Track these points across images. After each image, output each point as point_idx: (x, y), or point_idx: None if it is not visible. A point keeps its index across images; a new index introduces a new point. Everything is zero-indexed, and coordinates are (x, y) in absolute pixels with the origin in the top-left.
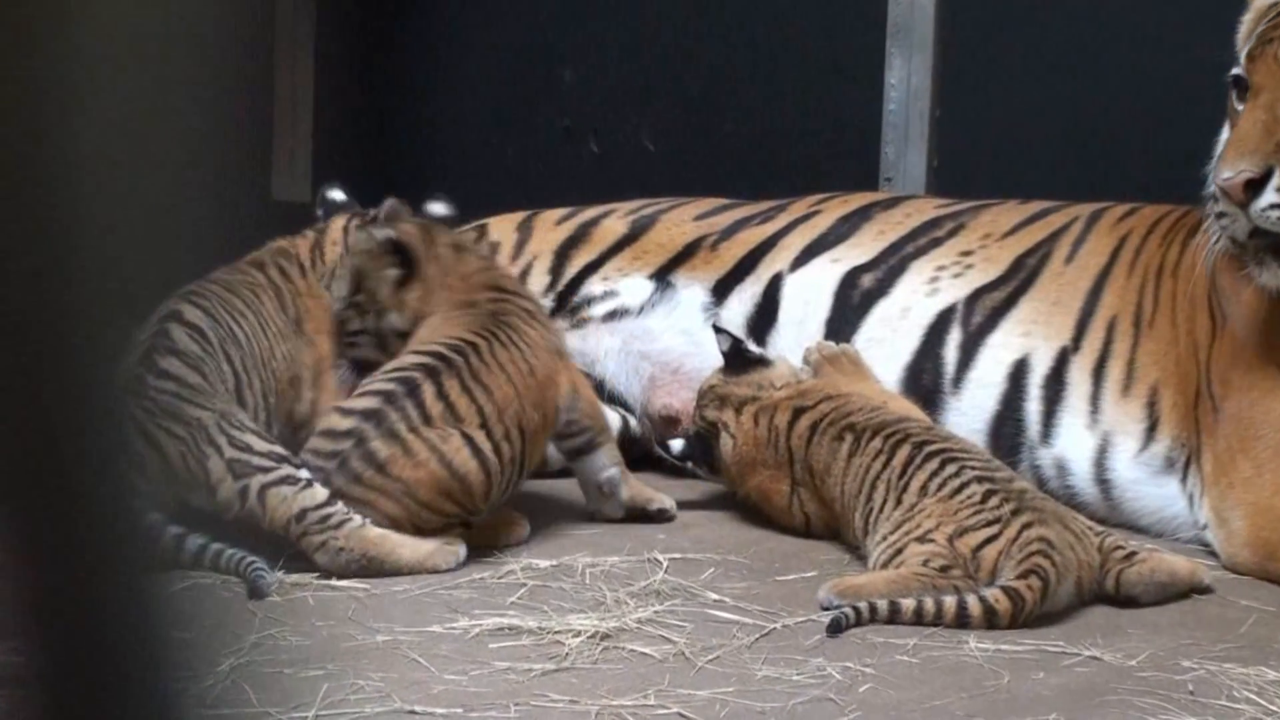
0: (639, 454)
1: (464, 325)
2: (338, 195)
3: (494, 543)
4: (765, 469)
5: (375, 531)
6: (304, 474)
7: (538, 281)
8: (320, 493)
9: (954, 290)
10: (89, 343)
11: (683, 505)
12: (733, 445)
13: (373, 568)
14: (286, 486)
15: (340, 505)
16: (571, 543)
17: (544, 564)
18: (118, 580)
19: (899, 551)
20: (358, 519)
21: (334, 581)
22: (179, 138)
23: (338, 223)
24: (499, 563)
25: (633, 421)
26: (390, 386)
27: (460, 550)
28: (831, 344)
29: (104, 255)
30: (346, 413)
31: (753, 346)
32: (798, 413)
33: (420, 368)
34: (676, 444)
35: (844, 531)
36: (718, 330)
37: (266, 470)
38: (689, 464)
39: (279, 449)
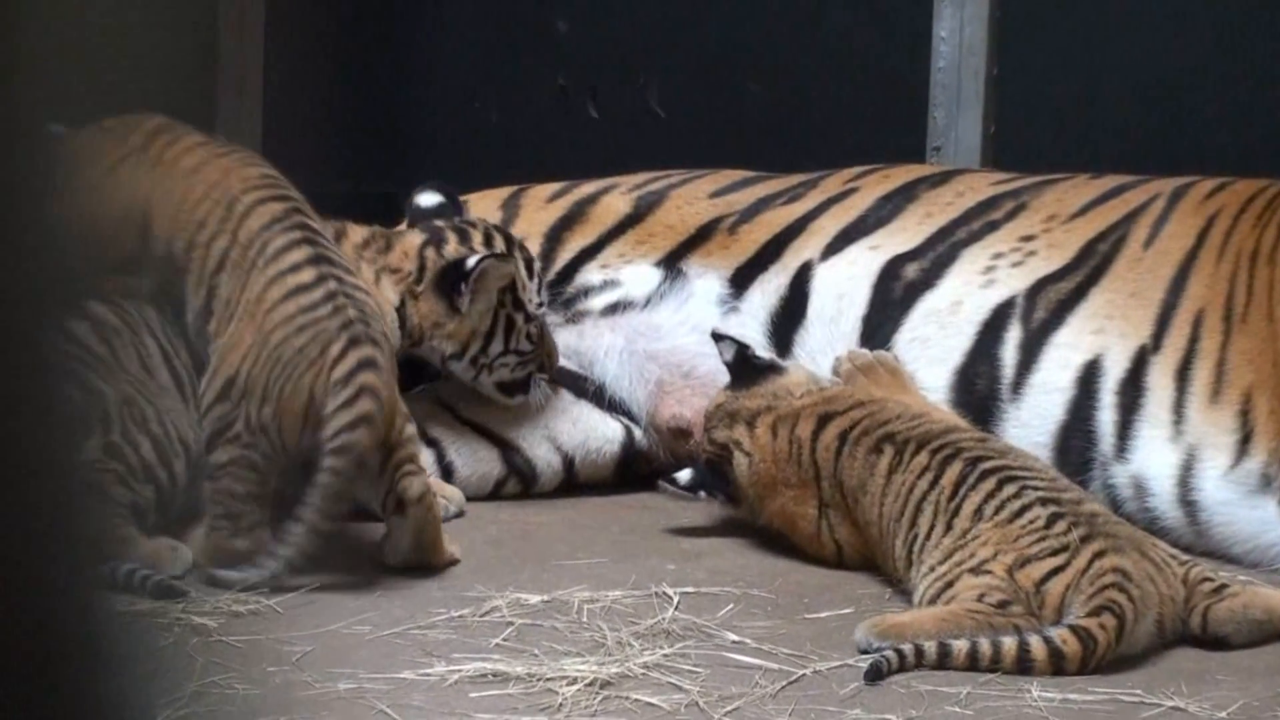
0: (645, 471)
1: None
2: (430, 200)
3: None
4: (788, 489)
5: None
6: (146, 498)
7: None
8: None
9: (1013, 281)
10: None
11: (697, 532)
12: (748, 464)
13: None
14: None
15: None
16: (566, 574)
17: (534, 599)
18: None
19: (950, 585)
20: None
21: (283, 610)
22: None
23: (413, 239)
24: (481, 598)
25: (637, 433)
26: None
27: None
28: (865, 351)
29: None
30: None
31: (761, 352)
32: (823, 420)
33: None
34: (684, 474)
35: (883, 562)
36: (718, 338)
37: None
38: (701, 495)
39: (160, 469)
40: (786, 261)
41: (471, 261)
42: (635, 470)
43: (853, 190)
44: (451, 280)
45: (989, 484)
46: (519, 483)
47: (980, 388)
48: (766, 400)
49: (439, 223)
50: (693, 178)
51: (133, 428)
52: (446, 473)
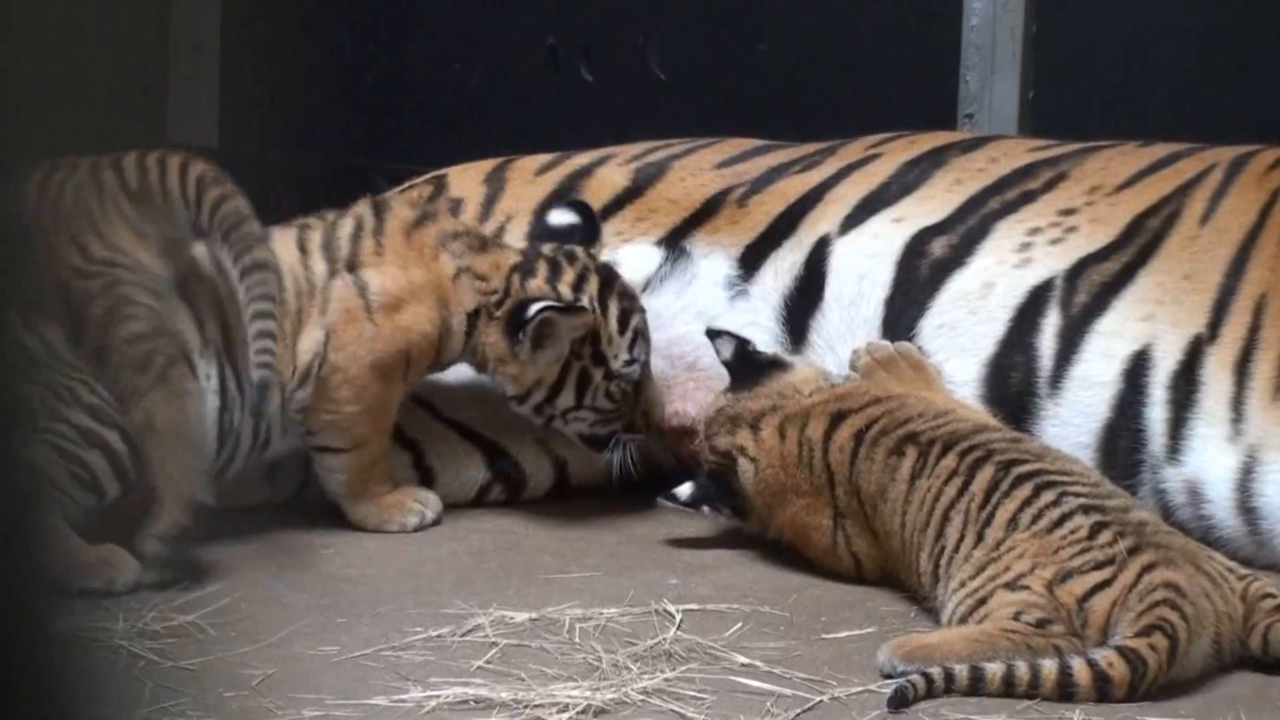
0: (650, 474)
1: None
2: (561, 219)
3: None
4: (798, 497)
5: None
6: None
7: None
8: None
9: (1052, 260)
10: None
11: (702, 543)
12: (754, 472)
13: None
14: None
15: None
16: (556, 589)
17: (520, 617)
18: None
19: (982, 602)
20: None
21: (239, 627)
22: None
23: (508, 257)
24: (462, 615)
25: None
26: None
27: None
28: (885, 343)
29: None
30: None
31: (762, 348)
32: (837, 419)
33: None
34: (684, 489)
35: (906, 576)
36: (714, 335)
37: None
38: (705, 511)
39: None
40: (801, 237)
41: (532, 310)
42: (634, 473)
43: (875, 156)
44: (516, 322)
45: (1025, 490)
46: (505, 488)
47: (1015, 382)
48: (772, 400)
49: (545, 249)
50: (697, 147)
51: (61, 407)
52: (425, 477)
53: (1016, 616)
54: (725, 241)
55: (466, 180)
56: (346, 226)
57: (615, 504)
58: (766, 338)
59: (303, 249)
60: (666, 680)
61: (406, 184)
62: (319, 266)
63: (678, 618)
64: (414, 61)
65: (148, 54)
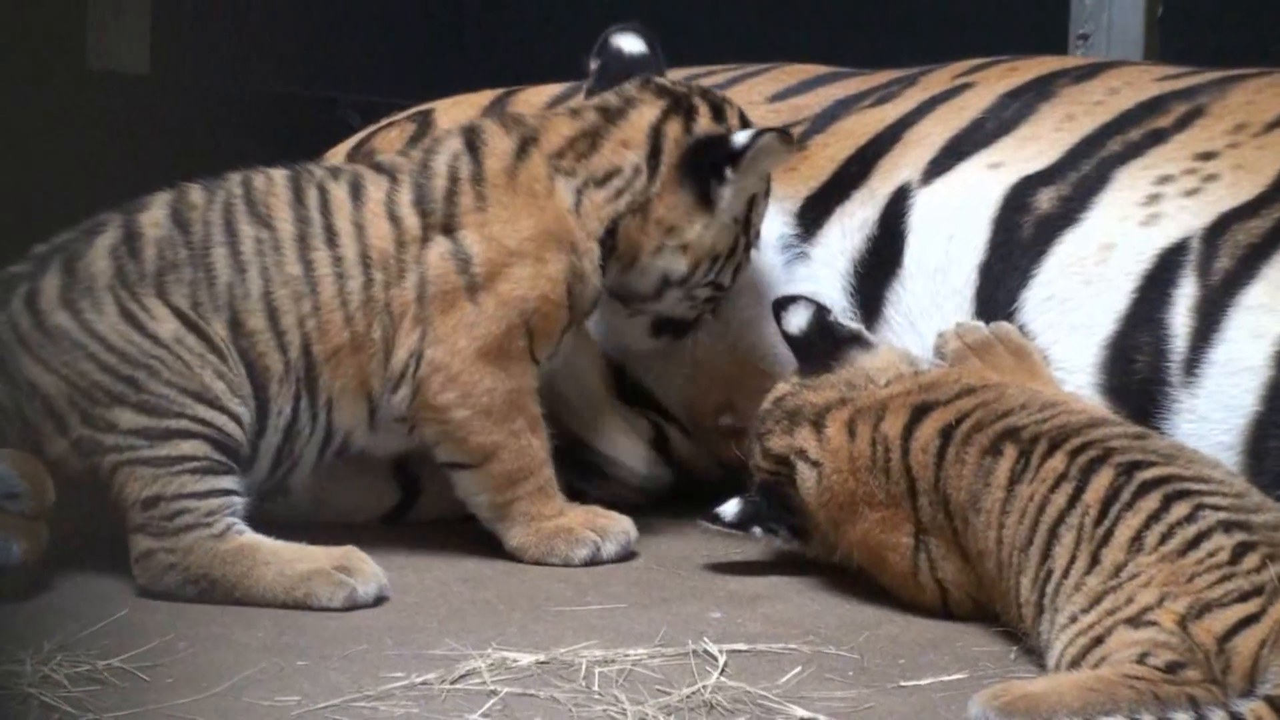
0: (684, 483)
1: None
2: (633, 46)
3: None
4: (872, 510)
5: (236, 543)
6: (195, 451)
7: None
8: (181, 481)
9: (1186, 216)
10: None
11: (750, 568)
12: (817, 479)
13: (217, 591)
14: (140, 468)
15: (212, 506)
16: (570, 625)
17: (525, 660)
18: None
19: (1099, 641)
20: (220, 525)
21: (175, 670)
22: None
23: (639, 116)
24: (453, 657)
25: (673, 434)
26: None
27: (361, 583)
28: (978, 324)
29: None
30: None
31: (844, 320)
32: (919, 413)
33: None
34: (729, 507)
35: (1004, 608)
36: (783, 304)
37: (122, 450)
38: (756, 533)
39: (162, 424)
40: (875, 186)
41: (743, 137)
42: (669, 482)
43: (966, 87)
44: (710, 163)
45: (1151, 501)
46: None
47: (1141, 366)
48: (840, 390)
49: (679, 86)
50: (745, 75)
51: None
52: (409, 486)
53: (1141, 659)
54: (781, 193)
55: (458, 116)
56: (440, 174)
57: (643, 520)
58: (833, 309)
59: (391, 214)
60: None
61: (385, 121)
62: (412, 231)
63: (721, 660)
64: None
65: None
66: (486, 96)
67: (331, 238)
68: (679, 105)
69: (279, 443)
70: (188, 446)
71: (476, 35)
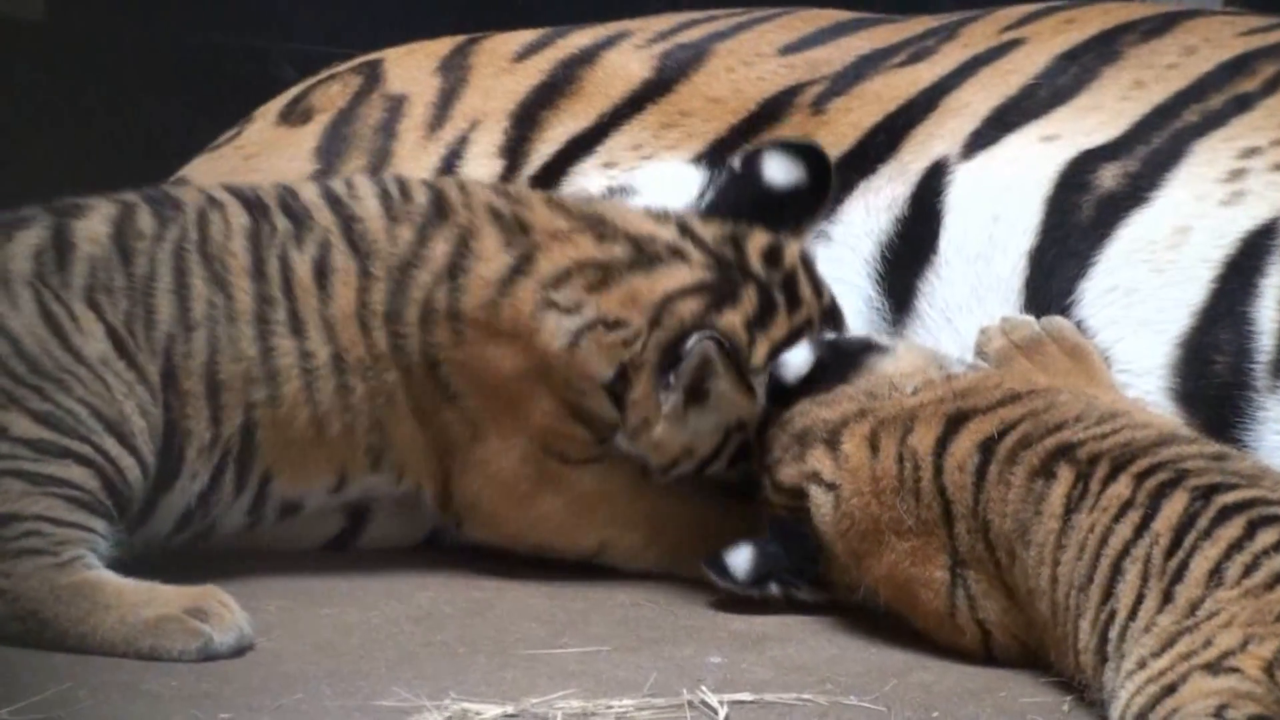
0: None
1: None
2: (783, 175)
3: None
4: (899, 538)
5: (79, 578)
6: (82, 481)
7: (483, 168)
8: (49, 504)
9: (1276, 194)
10: None
11: (757, 605)
12: (833, 504)
13: (46, 635)
14: (13, 480)
15: (68, 536)
16: (544, 671)
17: (490, 711)
18: None
19: (1171, 690)
20: (67, 555)
21: None
22: None
23: (669, 276)
24: (404, 709)
25: None
26: None
27: (219, 630)
28: (1028, 319)
29: None
30: None
31: (849, 322)
32: (954, 424)
33: None
34: (739, 557)
35: (1058, 652)
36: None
37: (3, 456)
38: (773, 589)
39: (61, 441)
40: (906, 160)
41: (690, 342)
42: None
43: (1014, 45)
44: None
45: (1233, 528)
46: None
47: (1220, 370)
48: (858, 402)
49: (765, 237)
50: (751, 21)
51: None
52: (355, 512)
53: (1220, 713)
54: None
55: (412, 68)
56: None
57: None
58: (855, 301)
59: (363, 323)
60: None
61: (325, 73)
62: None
63: (722, 713)
64: None
65: None
66: (445, 45)
67: (298, 327)
68: (721, 285)
69: (187, 505)
70: (77, 473)
71: None
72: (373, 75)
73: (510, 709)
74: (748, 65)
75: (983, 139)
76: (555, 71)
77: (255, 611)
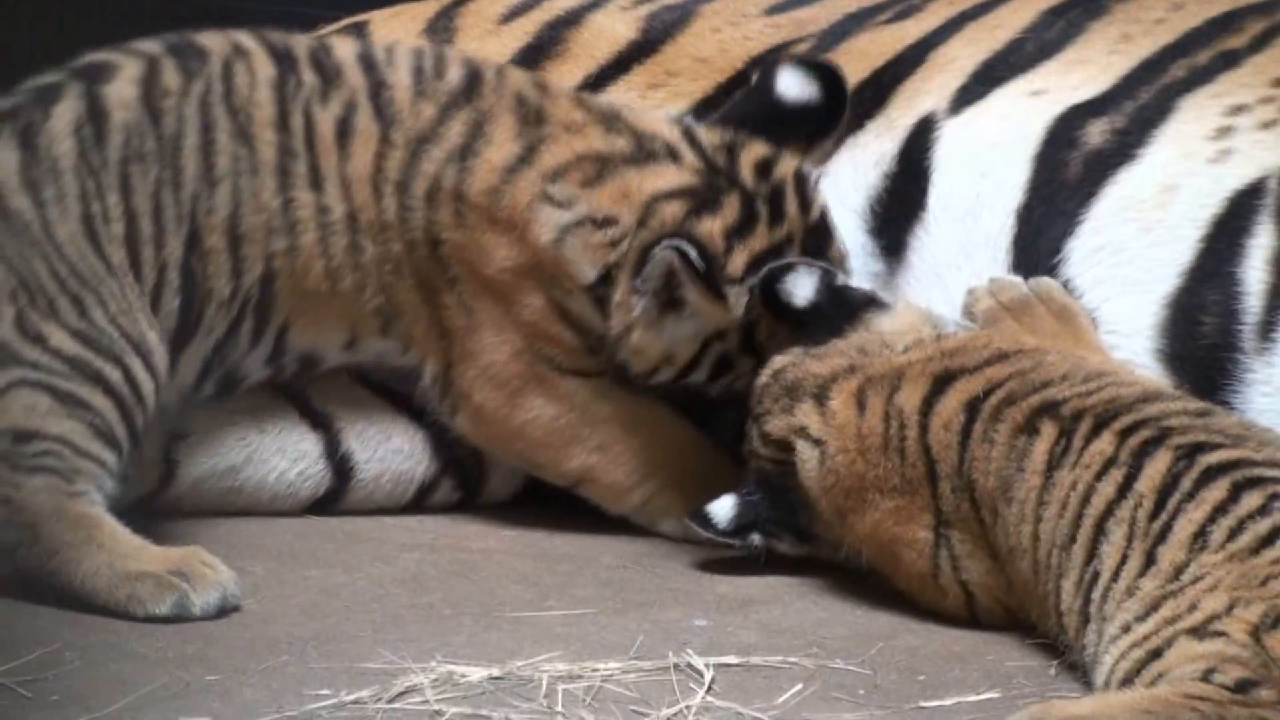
0: None
1: None
2: (796, 89)
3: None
4: (883, 497)
5: (84, 510)
6: (103, 409)
7: None
8: (72, 427)
9: (1262, 152)
10: None
11: (743, 566)
12: (819, 460)
13: (32, 554)
14: (43, 395)
15: (83, 467)
16: (529, 634)
17: (475, 674)
18: None
19: (1156, 654)
20: (79, 486)
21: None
22: None
23: (652, 176)
24: (390, 671)
25: None
26: None
27: (199, 590)
28: (1015, 279)
29: None
30: None
31: (853, 281)
32: (941, 383)
33: None
34: (721, 506)
35: (1041, 614)
36: (778, 273)
37: (38, 367)
38: (754, 540)
39: (94, 363)
40: (893, 115)
41: (657, 250)
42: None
43: (1000, 0)
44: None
45: (1217, 490)
46: (457, 485)
47: (1207, 330)
48: (848, 358)
49: (740, 171)
50: None
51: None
52: (341, 469)
53: (1206, 677)
54: None
55: (398, 31)
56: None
57: None
58: (852, 247)
59: (376, 188)
60: None
61: (311, 35)
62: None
63: (708, 676)
64: None
65: None
66: (431, 7)
67: (316, 181)
68: (706, 191)
69: (205, 356)
70: (101, 402)
71: None
72: (359, 37)
73: (496, 671)
74: (734, 25)
75: (970, 94)
76: (541, 33)
77: (242, 573)
